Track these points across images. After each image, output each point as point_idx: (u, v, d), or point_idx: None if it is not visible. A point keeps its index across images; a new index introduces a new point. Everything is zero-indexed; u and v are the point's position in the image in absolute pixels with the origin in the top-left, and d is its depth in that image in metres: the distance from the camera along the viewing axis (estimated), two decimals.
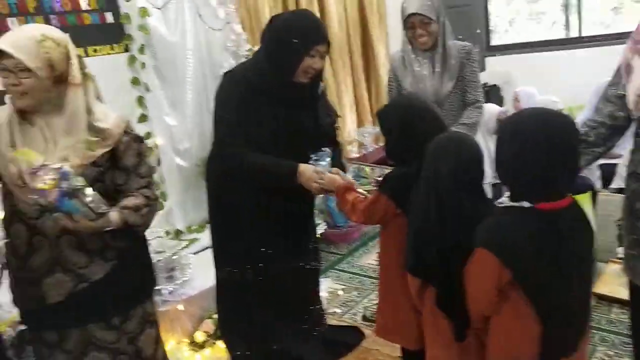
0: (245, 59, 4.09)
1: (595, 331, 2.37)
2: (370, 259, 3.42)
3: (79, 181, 1.34)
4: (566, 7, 4.97)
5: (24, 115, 1.41)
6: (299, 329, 2.23)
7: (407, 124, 1.60)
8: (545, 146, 1.18)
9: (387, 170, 1.92)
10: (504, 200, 1.28)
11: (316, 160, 1.89)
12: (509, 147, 1.24)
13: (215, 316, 2.55)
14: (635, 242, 1.64)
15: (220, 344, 2.45)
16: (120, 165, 1.51)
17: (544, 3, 5.26)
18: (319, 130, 2.05)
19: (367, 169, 1.96)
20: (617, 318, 2.48)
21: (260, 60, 1.96)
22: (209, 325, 2.53)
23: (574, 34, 4.96)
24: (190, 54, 3.67)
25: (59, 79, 1.39)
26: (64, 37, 1.44)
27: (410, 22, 2.27)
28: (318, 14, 4.52)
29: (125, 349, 1.58)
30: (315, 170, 1.87)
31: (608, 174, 3.53)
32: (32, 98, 1.37)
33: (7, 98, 1.45)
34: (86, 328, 1.51)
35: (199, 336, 2.46)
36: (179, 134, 3.45)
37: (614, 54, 4.36)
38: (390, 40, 5.45)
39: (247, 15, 4.11)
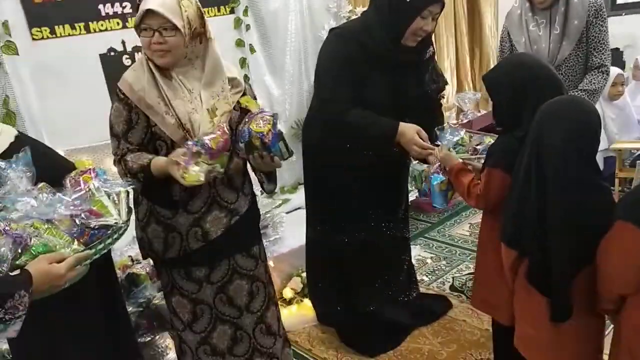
0: (346, 20, 4.08)
1: None
2: (461, 229, 3.34)
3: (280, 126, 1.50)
4: None
5: (161, 72, 1.51)
6: (387, 293, 2.26)
7: (519, 86, 1.47)
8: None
9: (490, 137, 1.84)
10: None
11: (442, 133, 1.82)
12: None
13: (304, 274, 2.66)
14: None
15: (307, 302, 2.55)
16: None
17: None
18: (424, 96, 2.01)
19: (466, 136, 1.87)
20: None
21: (370, 20, 1.90)
22: (297, 282, 2.63)
23: None
24: (292, 16, 3.71)
25: (194, 35, 1.47)
26: None
27: None
28: None
29: (260, 275, 1.75)
30: (418, 132, 1.83)
31: None
32: (173, 55, 1.46)
33: (139, 57, 1.56)
34: (234, 258, 1.67)
35: (287, 292, 2.58)
36: (277, 95, 3.54)
37: None
38: (499, 2, 5.12)
39: None
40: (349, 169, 2.02)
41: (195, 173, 1.35)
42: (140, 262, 2.13)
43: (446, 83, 2.16)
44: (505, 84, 1.51)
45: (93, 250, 1.20)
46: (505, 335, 1.60)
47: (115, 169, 1.55)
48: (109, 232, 1.23)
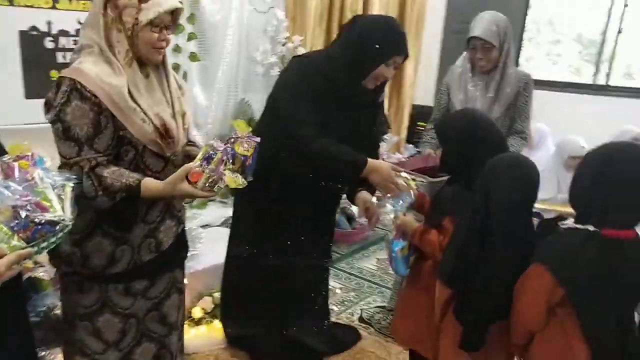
0: (281, 46, 4.13)
1: None
2: (369, 263, 3.46)
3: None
4: (599, 54, 5.05)
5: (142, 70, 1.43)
6: (304, 320, 2.26)
7: (469, 138, 1.59)
8: (621, 175, 1.25)
9: (427, 179, 1.95)
10: (568, 222, 1.33)
11: (389, 201, 1.78)
12: (588, 172, 1.31)
13: (216, 294, 2.59)
14: None
15: (217, 323, 2.48)
16: None
17: (563, 46, 5.34)
18: (374, 138, 2.09)
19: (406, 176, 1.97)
20: None
21: (334, 57, 1.91)
22: (208, 302, 2.55)
23: (601, 81, 5.04)
24: (230, 32, 3.70)
25: None
26: None
27: (472, 44, 2.30)
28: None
29: (184, 289, 1.70)
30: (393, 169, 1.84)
31: None
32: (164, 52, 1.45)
33: (95, 51, 1.38)
34: (175, 270, 1.61)
35: (197, 312, 2.48)
36: (204, 107, 3.50)
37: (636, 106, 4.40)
38: (422, 55, 5.52)
39: (293, 3, 4.12)
40: (296, 197, 2.02)
41: (236, 177, 1.32)
42: (44, 266, 1.95)
43: (389, 127, 2.26)
44: (455, 135, 1.63)
45: (35, 249, 1.10)
46: None
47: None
48: (54, 229, 1.12)
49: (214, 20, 3.56)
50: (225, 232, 3.15)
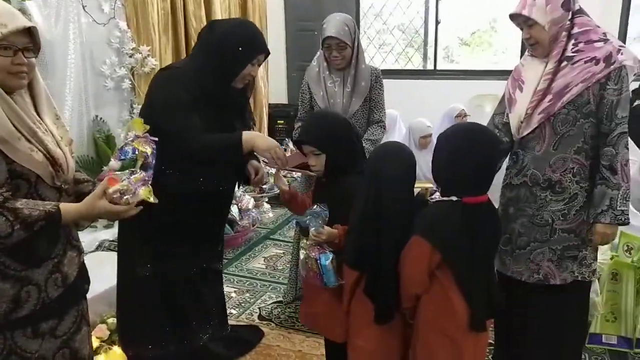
0: (129, 57, 3.98)
1: None
2: (257, 262, 3.53)
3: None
4: (425, 42, 5.69)
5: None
6: (207, 327, 2.27)
7: (352, 140, 1.82)
8: (472, 152, 1.49)
9: (308, 173, 2.09)
10: (436, 196, 1.55)
11: (313, 216, 1.72)
12: (443, 153, 1.54)
13: (110, 320, 2.47)
14: (508, 240, 2.04)
15: (116, 349, 2.37)
16: None
17: (392, 36, 5.94)
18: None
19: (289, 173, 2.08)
20: None
21: (199, 64, 1.93)
22: (103, 330, 2.43)
23: (429, 66, 5.69)
24: (72, 48, 3.48)
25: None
26: None
27: (327, 43, 2.47)
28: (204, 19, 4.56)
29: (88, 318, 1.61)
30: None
31: None
32: (29, 78, 1.33)
33: None
34: (81, 302, 1.52)
35: (93, 342, 2.35)
36: None
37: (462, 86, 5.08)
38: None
39: (133, 12, 3.98)
40: (186, 210, 1.99)
41: (149, 190, 1.34)
42: None
43: (254, 123, 2.35)
44: (342, 139, 1.80)
45: None
46: (339, 350, 1.82)
47: None
48: None
49: (51, 36, 3.31)
50: (106, 256, 3.02)
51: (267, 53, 2.00)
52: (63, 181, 1.39)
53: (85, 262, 1.56)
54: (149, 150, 1.39)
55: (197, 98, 1.90)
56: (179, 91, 1.88)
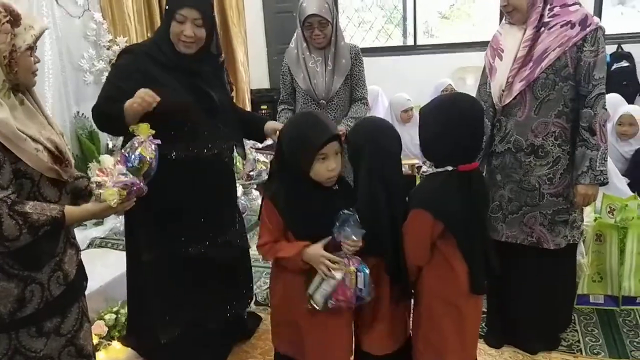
0: (106, 50, 3.93)
1: None
2: (250, 249, 3.54)
3: None
4: (404, 18, 5.67)
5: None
6: (224, 312, 2.26)
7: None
8: (461, 122, 1.50)
9: None
10: (427, 169, 1.55)
11: (346, 223, 1.49)
12: (433, 127, 1.54)
13: (108, 316, 2.46)
14: (498, 207, 2.08)
15: (115, 344, 2.38)
16: None
17: (370, 13, 5.91)
18: (228, 100, 2.11)
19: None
20: None
21: (155, 35, 2.02)
22: (101, 326, 2.43)
23: (410, 42, 5.68)
24: (47, 44, 3.42)
25: None
26: None
27: (309, 22, 2.45)
28: None
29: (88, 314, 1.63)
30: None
31: None
32: None
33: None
34: (81, 299, 1.53)
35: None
36: None
37: (443, 60, 5.09)
38: (248, 37, 5.62)
39: (108, 3, 3.92)
40: (172, 184, 1.91)
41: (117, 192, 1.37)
42: None
43: (233, 87, 2.32)
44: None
45: None
46: None
47: None
48: None
49: None
50: (98, 253, 3.02)
51: (197, 9, 1.86)
52: (69, 175, 1.43)
53: (81, 259, 1.57)
54: (152, 155, 1.44)
55: (149, 66, 1.89)
56: (122, 66, 1.92)
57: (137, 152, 1.42)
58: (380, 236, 1.55)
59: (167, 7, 1.89)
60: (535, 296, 2.11)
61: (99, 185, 1.37)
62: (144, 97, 1.72)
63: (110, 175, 1.38)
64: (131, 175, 1.40)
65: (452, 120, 1.50)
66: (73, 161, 1.47)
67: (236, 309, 2.33)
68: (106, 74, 3.87)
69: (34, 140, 1.31)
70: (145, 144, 1.43)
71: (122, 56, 1.99)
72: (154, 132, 1.46)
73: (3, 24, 1.26)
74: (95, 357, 1.67)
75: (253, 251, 3.41)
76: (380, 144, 1.58)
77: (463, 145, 1.52)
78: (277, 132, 1.91)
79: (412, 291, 1.64)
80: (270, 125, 2.20)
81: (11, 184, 1.28)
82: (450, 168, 1.52)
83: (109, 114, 1.83)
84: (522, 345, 2.21)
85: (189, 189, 2.00)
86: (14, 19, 1.28)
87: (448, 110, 1.53)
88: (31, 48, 1.33)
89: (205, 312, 2.17)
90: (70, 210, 1.36)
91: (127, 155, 1.43)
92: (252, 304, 2.80)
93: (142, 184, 1.43)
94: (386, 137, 1.61)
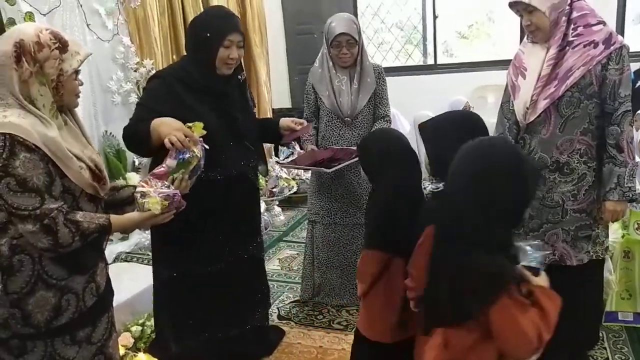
0: (134, 72, 4.04)
1: None
2: (272, 265, 3.57)
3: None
4: (424, 38, 5.73)
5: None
6: (244, 320, 2.29)
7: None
8: (468, 138, 1.48)
9: (323, 170, 2.14)
10: (436, 186, 1.59)
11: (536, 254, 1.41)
12: (441, 143, 1.55)
13: (134, 328, 2.52)
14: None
15: (142, 356, 2.42)
16: None
17: (390, 34, 5.99)
18: (251, 115, 2.19)
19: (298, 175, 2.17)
20: None
21: (185, 60, 2.06)
22: (128, 338, 2.48)
23: (430, 61, 5.72)
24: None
25: None
26: None
27: (337, 41, 2.52)
28: None
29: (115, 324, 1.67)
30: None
31: None
32: None
33: (10, 102, 1.34)
34: (111, 310, 1.59)
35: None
36: None
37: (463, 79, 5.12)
38: (270, 58, 5.73)
39: (135, 27, 4.05)
40: (203, 205, 1.95)
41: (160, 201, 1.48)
42: None
43: (254, 98, 2.40)
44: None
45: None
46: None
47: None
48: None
49: None
50: (124, 267, 3.08)
51: (240, 33, 2.00)
52: (105, 192, 1.52)
53: (108, 272, 1.63)
54: (200, 153, 1.58)
55: (182, 92, 1.96)
56: (153, 92, 1.98)
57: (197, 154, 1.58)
58: (398, 235, 1.57)
59: (208, 34, 1.94)
60: (561, 314, 2.09)
61: (143, 195, 1.47)
62: (183, 140, 1.68)
63: (154, 186, 1.48)
64: (173, 185, 1.52)
65: (466, 137, 1.46)
66: (108, 179, 1.54)
67: (256, 321, 2.37)
68: (133, 95, 4.02)
69: (78, 158, 1.39)
70: (195, 141, 1.58)
71: (153, 80, 2.07)
72: (205, 132, 1.60)
73: (52, 50, 1.34)
74: None
75: (276, 267, 3.49)
76: (394, 155, 1.65)
77: None
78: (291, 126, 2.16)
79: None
80: (285, 122, 2.26)
81: (60, 196, 1.36)
82: None
83: (135, 130, 1.91)
84: None
85: (214, 210, 2.07)
86: (62, 46, 1.37)
87: (461, 126, 1.57)
88: (76, 72, 1.43)
89: (225, 325, 2.21)
90: (115, 218, 1.44)
91: (177, 150, 1.59)
92: (275, 318, 2.83)
93: (180, 197, 1.53)
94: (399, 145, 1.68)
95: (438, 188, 1.59)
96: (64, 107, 1.43)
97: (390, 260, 1.63)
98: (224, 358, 2.27)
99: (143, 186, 1.49)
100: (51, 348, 1.42)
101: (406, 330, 1.68)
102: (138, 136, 1.88)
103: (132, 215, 1.49)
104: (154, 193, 1.47)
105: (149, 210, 1.47)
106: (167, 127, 1.74)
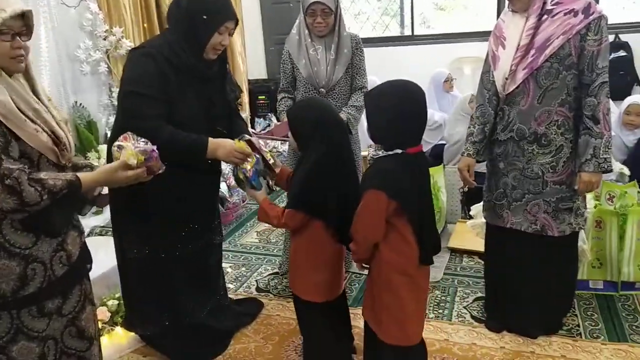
0: (103, 40, 3.90)
1: (453, 276, 2.88)
2: (250, 237, 3.56)
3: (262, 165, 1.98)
4: (401, 9, 5.66)
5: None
6: (208, 301, 2.30)
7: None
8: (411, 108, 1.59)
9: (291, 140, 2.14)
10: (376, 153, 1.65)
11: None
12: (383, 113, 1.61)
13: (110, 302, 2.49)
14: (502, 194, 2.10)
15: (118, 330, 2.41)
16: None
17: (367, 5, 5.90)
18: (228, 105, 2.14)
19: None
20: (467, 264, 3.02)
21: (170, 38, 1.94)
22: (104, 312, 2.45)
23: (407, 32, 5.67)
24: (43, 34, 3.40)
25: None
26: None
27: (312, 9, 2.45)
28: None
29: (92, 297, 1.63)
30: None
31: (437, 154, 4.10)
32: (26, 60, 1.37)
33: None
34: (84, 281, 1.55)
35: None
36: None
37: (441, 50, 5.12)
38: (245, 28, 5.59)
39: None
40: (163, 187, 1.91)
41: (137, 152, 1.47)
42: None
43: (241, 91, 2.35)
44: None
45: None
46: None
47: None
48: None
49: None
50: (100, 241, 3.02)
51: (236, 20, 1.97)
52: (67, 159, 1.44)
53: (85, 242, 1.58)
54: (248, 166, 1.92)
55: (169, 72, 1.89)
56: (148, 73, 1.87)
57: (248, 167, 1.91)
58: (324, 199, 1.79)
59: (205, 17, 1.87)
60: (538, 282, 2.14)
61: (120, 147, 1.43)
62: (243, 158, 1.94)
63: (132, 140, 1.45)
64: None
65: (400, 106, 1.59)
66: (73, 147, 1.48)
67: (220, 300, 2.41)
68: (103, 64, 3.89)
69: (32, 121, 1.33)
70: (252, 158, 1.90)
71: (143, 59, 1.91)
72: (249, 149, 1.91)
73: None
74: (99, 341, 1.69)
75: (254, 240, 3.47)
76: (327, 120, 1.82)
77: (412, 130, 1.62)
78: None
79: (364, 265, 1.79)
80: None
81: (19, 160, 1.30)
82: (399, 151, 1.60)
83: (187, 149, 1.91)
84: (523, 330, 2.24)
85: (183, 192, 2.06)
86: None
87: (396, 96, 1.60)
88: (1, 32, 1.28)
89: (192, 305, 2.23)
90: (84, 174, 1.39)
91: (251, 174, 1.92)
92: (254, 290, 2.83)
93: (158, 159, 1.50)
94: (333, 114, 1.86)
95: (377, 155, 1.67)
96: (8, 70, 1.33)
97: (310, 221, 1.84)
98: (197, 335, 2.27)
99: (121, 141, 1.46)
100: (17, 320, 1.39)
101: (333, 289, 1.95)
102: (191, 156, 1.94)
103: (103, 167, 1.45)
104: (131, 145, 1.43)
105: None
106: (223, 150, 1.93)
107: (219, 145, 1.93)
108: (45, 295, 1.41)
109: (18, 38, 1.31)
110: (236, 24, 1.99)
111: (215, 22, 1.90)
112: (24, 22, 1.33)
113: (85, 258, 1.57)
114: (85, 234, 3.14)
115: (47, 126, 1.36)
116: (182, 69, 1.92)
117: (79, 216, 1.58)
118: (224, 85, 2.13)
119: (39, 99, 1.40)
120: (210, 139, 1.94)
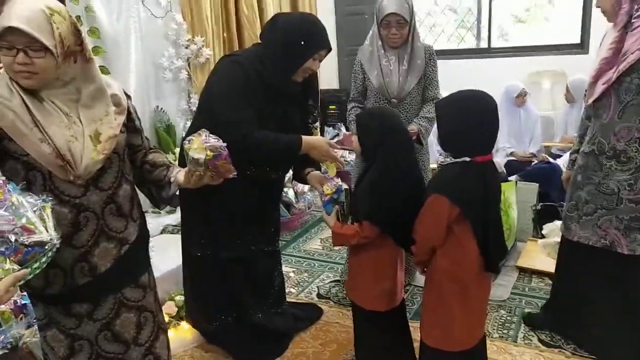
0: (185, 49, 4.11)
1: (520, 296, 2.77)
2: (314, 244, 3.60)
3: (343, 196, 1.97)
4: (479, 21, 5.54)
5: (28, 93, 1.29)
6: (266, 304, 2.37)
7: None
8: (480, 117, 1.59)
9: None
10: (444, 160, 1.65)
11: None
12: (452, 119, 1.63)
13: (178, 298, 2.60)
14: (574, 207, 2.02)
15: (184, 325, 2.51)
16: (133, 127, 1.52)
17: (443, 16, 5.81)
18: (303, 127, 2.21)
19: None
20: (537, 285, 2.89)
21: (262, 53, 2.00)
22: (171, 307, 2.57)
23: (483, 45, 5.54)
24: (133, 41, 3.64)
25: (67, 54, 1.29)
26: (66, 9, 1.34)
27: (387, 20, 2.46)
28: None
29: (149, 304, 1.60)
30: (328, 143, 2.07)
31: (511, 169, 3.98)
32: (41, 78, 1.27)
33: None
34: (121, 291, 1.51)
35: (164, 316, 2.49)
36: None
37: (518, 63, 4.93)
38: None
39: (187, 4, 4.11)
40: (238, 195, 2.04)
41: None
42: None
43: (320, 115, 2.41)
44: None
45: (29, 270, 1.11)
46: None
47: None
48: (44, 249, 1.13)
49: (114, 31, 3.48)
50: (171, 238, 3.18)
51: (329, 49, 2.05)
52: (76, 177, 1.34)
53: (129, 253, 1.51)
54: (328, 191, 1.97)
55: (256, 86, 1.96)
56: (237, 78, 1.94)
57: (326, 192, 1.97)
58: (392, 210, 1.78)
59: (303, 42, 1.94)
60: (605, 303, 2.04)
61: (190, 141, 1.42)
62: (334, 159, 2.07)
63: (204, 137, 1.42)
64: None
65: (472, 115, 1.58)
66: (88, 164, 1.34)
67: (279, 303, 2.47)
68: (184, 71, 4.10)
69: (40, 131, 1.28)
70: (329, 182, 1.95)
71: (233, 66, 1.99)
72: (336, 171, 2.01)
73: None
74: (149, 345, 1.63)
75: (317, 246, 3.50)
76: (396, 131, 1.81)
77: (480, 138, 1.61)
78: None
79: (425, 270, 1.80)
80: (315, 177, 2.20)
81: (17, 173, 1.30)
82: (467, 159, 1.61)
83: (285, 149, 1.99)
84: (598, 353, 2.15)
85: (252, 201, 2.16)
86: None
87: (468, 105, 1.61)
88: (6, 47, 1.23)
89: (252, 305, 2.31)
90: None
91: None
92: (314, 297, 2.86)
93: (229, 159, 1.47)
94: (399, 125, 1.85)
95: (445, 162, 1.67)
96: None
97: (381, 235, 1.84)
98: (257, 335, 2.33)
99: (194, 135, 1.43)
100: (48, 311, 1.46)
101: (396, 297, 1.95)
102: (286, 155, 2.05)
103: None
104: (201, 140, 1.42)
105: (193, 159, 1.42)
106: (318, 152, 2.02)
107: (313, 146, 2.01)
108: (67, 298, 1.44)
109: (23, 54, 1.23)
110: (328, 51, 2.05)
111: (312, 49, 1.97)
112: (31, 38, 1.22)
113: (122, 271, 1.49)
114: (159, 231, 3.33)
115: (53, 140, 1.29)
116: (268, 84, 1.99)
117: (149, 218, 1.63)
118: (304, 107, 2.20)
119: (78, 112, 1.35)
120: (304, 137, 2.01)
